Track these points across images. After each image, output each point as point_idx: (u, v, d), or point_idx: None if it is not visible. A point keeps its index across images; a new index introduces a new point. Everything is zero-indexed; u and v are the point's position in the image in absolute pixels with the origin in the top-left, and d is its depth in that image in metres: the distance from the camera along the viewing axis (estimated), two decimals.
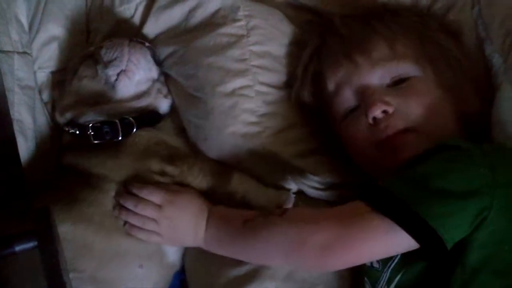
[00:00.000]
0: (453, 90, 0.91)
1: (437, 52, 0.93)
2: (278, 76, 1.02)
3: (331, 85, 0.96)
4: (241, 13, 1.03)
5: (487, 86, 0.94)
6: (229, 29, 1.02)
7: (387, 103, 0.88)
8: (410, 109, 0.88)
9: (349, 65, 0.93)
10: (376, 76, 0.91)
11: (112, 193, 0.97)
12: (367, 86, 0.91)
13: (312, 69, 1.00)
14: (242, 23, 1.02)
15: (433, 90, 0.90)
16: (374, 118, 0.89)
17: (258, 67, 1.01)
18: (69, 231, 0.94)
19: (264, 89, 1.01)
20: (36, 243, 0.69)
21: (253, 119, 1.00)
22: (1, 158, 0.79)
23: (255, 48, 1.02)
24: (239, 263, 0.96)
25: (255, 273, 0.94)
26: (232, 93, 1.00)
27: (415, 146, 0.86)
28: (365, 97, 0.91)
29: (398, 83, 0.90)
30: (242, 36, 1.02)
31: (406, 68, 0.91)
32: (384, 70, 0.91)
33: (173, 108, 1.07)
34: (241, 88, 1.00)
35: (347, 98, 0.94)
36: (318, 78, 0.99)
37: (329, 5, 1.02)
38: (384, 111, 0.89)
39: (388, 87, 0.91)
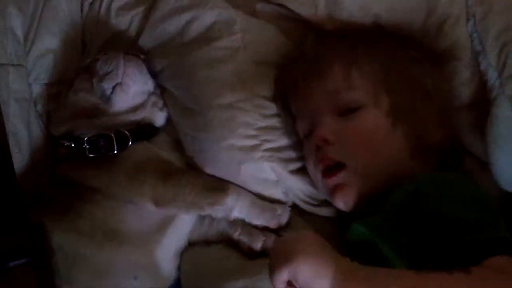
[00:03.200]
0: (410, 123, 0.91)
1: (402, 82, 0.93)
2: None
3: (293, 107, 0.99)
4: (237, 27, 1.02)
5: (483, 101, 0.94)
6: (225, 43, 1.02)
7: (329, 133, 0.91)
8: (350, 144, 0.90)
9: (305, 91, 0.96)
10: (328, 104, 0.93)
11: (104, 206, 0.96)
12: (319, 113, 0.93)
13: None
14: (238, 36, 1.02)
15: (382, 123, 0.91)
16: (318, 146, 0.92)
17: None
18: (61, 242, 0.94)
19: (261, 102, 1.01)
20: (30, 258, 0.69)
21: (251, 132, 1.00)
22: None
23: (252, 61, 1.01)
24: (236, 276, 0.95)
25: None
26: (229, 106, 1.00)
27: (347, 187, 0.89)
28: (314, 124, 0.93)
29: (348, 112, 0.91)
30: (238, 49, 1.02)
31: (357, 98, 0.92)
32: (335, 99, 0.92)
33: (168, 122, 1.07)
34: (238, 101, 1.00)
35: (304, 122, 0.96)
36: None
37: (322, 19, 1.02)
38: (326, 141, 0.91)
39: (340, 115, 0.92)
